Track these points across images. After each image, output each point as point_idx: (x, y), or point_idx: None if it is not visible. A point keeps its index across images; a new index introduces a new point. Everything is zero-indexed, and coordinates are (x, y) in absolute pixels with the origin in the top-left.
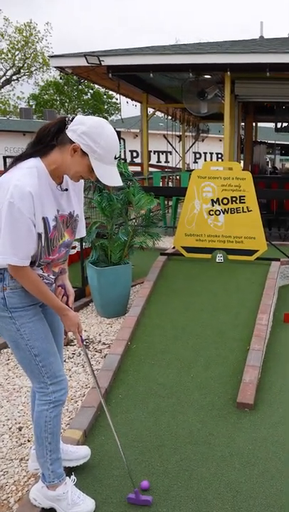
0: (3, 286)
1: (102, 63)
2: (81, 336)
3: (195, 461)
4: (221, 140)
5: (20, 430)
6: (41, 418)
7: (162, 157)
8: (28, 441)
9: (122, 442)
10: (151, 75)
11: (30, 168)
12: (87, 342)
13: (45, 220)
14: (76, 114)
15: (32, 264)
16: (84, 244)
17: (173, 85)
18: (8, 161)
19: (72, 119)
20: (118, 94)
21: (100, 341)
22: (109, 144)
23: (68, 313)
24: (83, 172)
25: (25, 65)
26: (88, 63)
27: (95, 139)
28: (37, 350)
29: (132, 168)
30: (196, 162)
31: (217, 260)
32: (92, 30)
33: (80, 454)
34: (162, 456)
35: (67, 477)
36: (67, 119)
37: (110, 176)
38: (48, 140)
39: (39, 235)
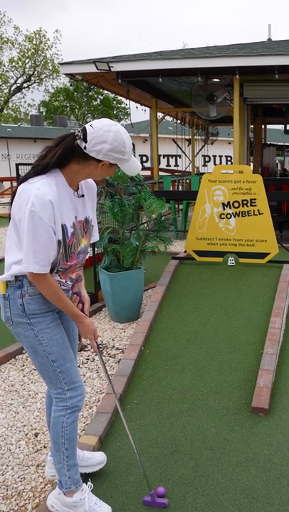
0: (21, 292)
1: (112, 69)
2: (97, 343)
3: (211, 466)
4: (230, 143)
5: (36, 436)
6: (58, 424)
7: (172, 161)
8: (45, 447)
9: (138, 448)
10: (160, 79)
11: (49, 177)
12: (100, 347)
13: (63, 227)
14: (85, 122)
15: (50, 270)
16: (96, 249)
17: (182, 89)
18: (22, 168)
19: (83, 133)
20: (127, 100)
21: (113, 346)
22: (129, 144)
23: (85, 321)
24: (108, 175)
25: (36, 73)
26: (98, 69)
27: (121, 151)
28: (54, 356)
29: (142, 173)
30: (206, 165)
31: (229, 264)
32: (102, 37)
33: (95, 460)
34: (178, 462)
35: (84, 483)
36: (77, 136)
37: (134, 167)
38: (60, 162)
39: (58, 241)
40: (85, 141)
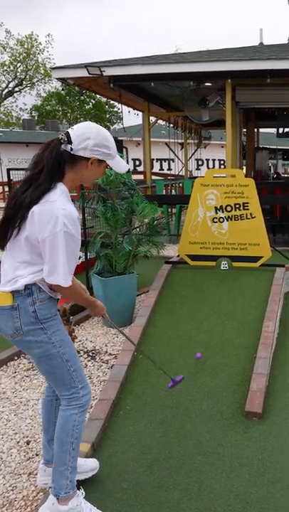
0: (32, 300)
1: (104, 74)
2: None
3: (204, 472)
4: (223, 146)
5: (28, 444)
6: (69, 423)
7: (165, 165)
8: (37, 455)
9: (131, 455)
10: (152, 84)
11: (61, 192)
12: (93, 353)
13: None
14: (69, 128)
15: None
16: (89, 254)
17: (174, 94)
18: (13, 173)
19: (67, 137)
20: (120, 104)
21: (106, 352)
22: (112, 140)
23: (96, 303)
24: (99, 176)
25: (27, 77)
26: (90, 74)
27: (105, 144)
28: (68, 355)
29: (134, 177)
30: (199, 169)
31: (222, 268)
32: (95, 40)
33: (88, 466)
34: (171, 468)
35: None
36: (62, 140)
37: (121, 165)
38: (57, 172)
39: None
40: (70, 142)
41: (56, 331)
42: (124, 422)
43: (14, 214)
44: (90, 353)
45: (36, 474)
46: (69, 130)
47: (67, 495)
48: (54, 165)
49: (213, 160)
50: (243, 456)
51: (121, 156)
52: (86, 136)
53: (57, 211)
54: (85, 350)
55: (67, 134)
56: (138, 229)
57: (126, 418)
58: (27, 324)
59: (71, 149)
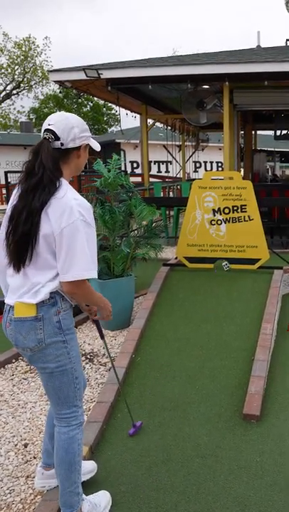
0: (57, 309)
1: (101, 76)
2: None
3: (202, 474)
4: (220, 149)
5: (25, 447)
6: (74, 443)
7: (163, 167)
8: (34, 457)
9: (129, 457)
10: (150, 86)
11: (68, 186)
12: (91, 355)
13: None
14: (46, 126)
15: None
16: None
17: (172, 96)
18: (10, 176)
19: (48, 135)
20: (117, 106)
21: (104, 354)
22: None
23: (109, 303)
24: (86, 159)
25: (25, 80)
26: (87, 77)
27: (85, 128)
28: (77, 372)
29: (132, 179)
30: (197, 171)
31: (224, 269)
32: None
33: (86, 469)
34: (169, 471)
35: None
36: (50, 139)
37: (96, 143)
38: (57, 170)
39: None
40: (58, 138)
41: (74, 346)
42: (122, 424)
43: (29, 228)
44: (88, 356)
45: (34, 477)
46: (49, 127)
47: (79, 505)
48: (54, 165)
49: (211, 162)
50: (242, 458)
51: (118, 159)
52: (70, 126)
53: (70, 202)
54: (83, 352)
55: (51, 132)
56: (136, 231)
57: (124, 421)
58: (50, 336)
59: (62, 144)
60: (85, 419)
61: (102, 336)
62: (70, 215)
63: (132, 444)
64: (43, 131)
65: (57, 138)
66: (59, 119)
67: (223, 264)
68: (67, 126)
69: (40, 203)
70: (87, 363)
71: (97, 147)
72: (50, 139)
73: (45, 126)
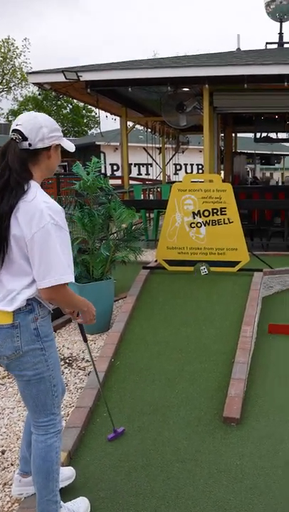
0: (34, 316)
1: (81, 79)
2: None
3: (182, 479)
4: (201, 151)
5: (3, 454)
6: (52, 451)
7: (143, 169)
8: (12, 464)
9: (108, 463)
10: (129, 89)
11: (38, 189)
12: (70, 360)
13: None
14: (14, 126)
15: None
16: None
17: (152, 99)
18: None
19: (20, 135)
20: (97, 109)
21: (83, 359)
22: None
23: (91, 305)
24: (59, 161)
25: (4, 81)
26: (66, 79)
27: (56, 128)
28: (55, 379)
29: (112, 182)
30: (177, 174)
31: (202, 273)
32: (73, 45)
33: (64, 475)
34: (149, 476)
35: None
36: (17, 139)
37: (70, 144)
38: (25, 171)
39: None
40: (26, 139)
41: (52, 353)
42: (101, 429)
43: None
44: (67, 360)
45: (11, 484)
46: (16, 127)
47: None
48: (21, 166)
49: (191, 165)
50: (222, 462)
51: (98, 162)
52: (38, 126)
53: (39, 205)
54: (62, 357)
55: (19, 132)
56: (115, 234)
57: (103, 425)
58: (28, 343)
59: (29, 145)
60: (64, 426)
61: (85, 339)
62: (40, 219)
63: (111, 449)
64: (11, 131)
65: (24, 138)
66: (27, 118)
67: (201, 268)
68: (35, 126)
69: (8, 207)
70: (66, 368)
71: (70, 147)
72: (17, 139)
73: (13, 126)
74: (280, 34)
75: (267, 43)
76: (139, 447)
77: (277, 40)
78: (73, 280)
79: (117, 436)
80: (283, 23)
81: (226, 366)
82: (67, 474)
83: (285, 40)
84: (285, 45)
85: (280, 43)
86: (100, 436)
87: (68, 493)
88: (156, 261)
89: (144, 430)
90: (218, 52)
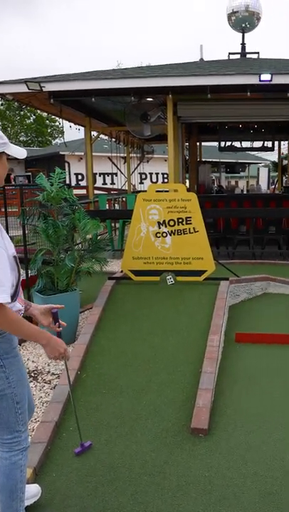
0: None
1: (44, 89)
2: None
3: (150, 492)
4: (166, 160)
5: None
6: (17, 469)
7: (108, 179)
8: None
9: (75, 478)
10: (93, 99)
11: None
12: (35, 373)
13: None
14: (18, 140)
15: (12, 297)
16: (30, 272)
17: (116, 109)
18: None
19: None
20: (61, 119)
21: (48, 372)
22: None
23: (51, 338)
24: (6, 170)
25: None
26: (29, 89)
27: None
28: (19, 397)
29: (77, 192)
30: (142, 183)
31: (168, 283)
32: (36, 56)
33: (29, 493)
34: (117, 490)
35: None
36: None
37: (20, 151)
38: None
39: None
40: None
41: (14, 370)
42: (67, 444)
43: None
44: (32, 374)
45: None
46: None
47: None
48: None
49: (157, 174)
50: (190, 474)
51: (61, 173)
52: None
53: None
54: (27, 370)
55: None
56: (80, 245)
57: (69, 440)
58: None
59: None
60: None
61: None
62: None
63: (77, 464)
64: None
65: None
66: None
67: (167, 277)
68: None
69: None
70: (31, 381)
71: (18, 154)
72: None
73: None
74: (243, 45)
75: (230, 54)
76: (106, 461)
77: (239, 51)
78: (7, 300)
79: (84, 450)
80: (245, 34)
81: (194, 376)
82: (32, 492)
83: (247, 50)
84: (248, 56)
85: (243, 53)
86: (66, 451)
87: (34, 511)
88: (121, 271)
89: (111, 443)
90: (181, 62)
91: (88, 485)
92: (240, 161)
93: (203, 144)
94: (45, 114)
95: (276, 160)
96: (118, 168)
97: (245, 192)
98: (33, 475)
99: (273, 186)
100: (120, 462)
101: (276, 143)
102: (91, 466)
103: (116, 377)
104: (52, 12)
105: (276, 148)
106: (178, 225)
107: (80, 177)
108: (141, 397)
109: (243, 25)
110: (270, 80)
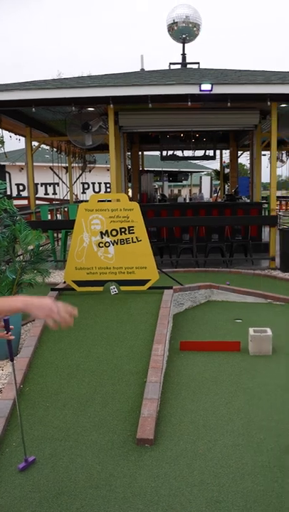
0: None
1: None
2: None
3: (96, 506)
4: (108, 169)
5: None
6: None
7: (50, 189)
8: None
9: (18, 494)
10: (33, 109)
11: None
12: None
13: None
14: None
15: None
16: None
17: (56, 119)
18: None
19: None
20: (0, 129)
21: None
22: None
23: (29, 298)
24: None
25: None
26: None
27: None
28: None
29: (18, 203)
30: (85, 192)
31: (112, 293)
32: None
33: None
34: (61, 505)
35: None
36: None
37: None
38: None
39: None
40: None
41: None
42: (10, 460)
43: None
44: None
45: None
46: None
47: None
48: None
49: (99, 183)
50: (136, 485)
51: (2, 183)
52: None
53: None
54: None
55: None
56: (22, 256)
57: (13, 456)
58: None
59: None
60: None
61: (11, 359)
62: None
63: (20, 480)
64: None
65: None
66: None
67: (110, 287)
68: None
69: None
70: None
71: None
72: None
73: None
74: (183, 55)
75: (170, 64)
76: (50, 475)
77: (180, 61)
78: None
79: (28, 465)
80: (186, 44)
81: (139, 386)
82: None
83: (188, 60)
84: (189, 66)
85: (184, 63)
86: (9, 467)
87: None
88: (64, 282)
89: (55, 457)
90: (122, 72)
91: (32, 501)
92: (182, 169)
93: (145, 153)
94: None
95: (218, 168)
96: (60, 178)
97: (188, 200)
98: None
99: (216, 194)
100: (65, 476)
101: (218, 151)
102: (35, 482)
103: (60, 389)
104: None
105: (218, 156)
106: (121, 234)
107: (21, 187)
108: (86, 409)
109: (184, 35)
110: (211, 90)
